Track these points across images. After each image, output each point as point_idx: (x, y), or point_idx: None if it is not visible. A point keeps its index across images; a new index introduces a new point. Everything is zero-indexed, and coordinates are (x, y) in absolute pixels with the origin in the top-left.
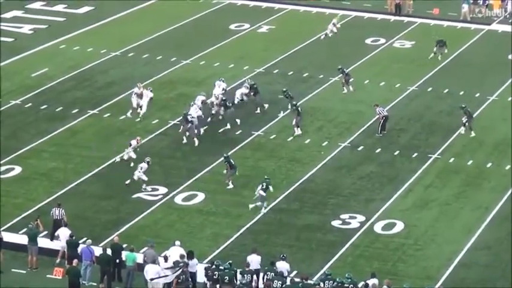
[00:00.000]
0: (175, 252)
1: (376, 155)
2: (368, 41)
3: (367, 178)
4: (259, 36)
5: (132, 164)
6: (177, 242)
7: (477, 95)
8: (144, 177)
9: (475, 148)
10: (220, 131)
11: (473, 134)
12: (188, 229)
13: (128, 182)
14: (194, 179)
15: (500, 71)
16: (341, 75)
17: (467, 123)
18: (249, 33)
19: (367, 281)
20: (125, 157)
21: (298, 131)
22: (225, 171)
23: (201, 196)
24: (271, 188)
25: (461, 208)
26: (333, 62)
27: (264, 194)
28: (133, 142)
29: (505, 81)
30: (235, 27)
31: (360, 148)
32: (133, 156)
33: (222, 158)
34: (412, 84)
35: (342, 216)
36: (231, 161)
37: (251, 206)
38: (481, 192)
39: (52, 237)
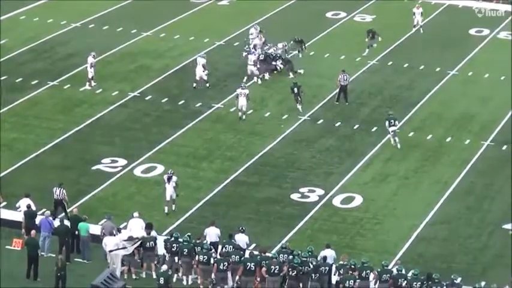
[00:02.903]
0: (135, 224)
1: (336, 128)
2: (329, 14)
3: (327, 152)
4: (220, 8)
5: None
6: (135, 214)
7: (437, 69)
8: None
9: (435, 122)
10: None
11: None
12: (147, 201)
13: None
14: (154, 151)
15: (460, 46)
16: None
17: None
18: (209, 5)
19: (322, 252)
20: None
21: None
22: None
23: (160, 168)
24: (397, 122)
25: (420, 182)
26: (293, 35)
27: (395, 129)
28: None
29: (465, 56)
30: None
31: (320, 121)
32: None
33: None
34: (372, 58)
35: (301, 190)
36: (295, 89)
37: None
38: (440, 167)
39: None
